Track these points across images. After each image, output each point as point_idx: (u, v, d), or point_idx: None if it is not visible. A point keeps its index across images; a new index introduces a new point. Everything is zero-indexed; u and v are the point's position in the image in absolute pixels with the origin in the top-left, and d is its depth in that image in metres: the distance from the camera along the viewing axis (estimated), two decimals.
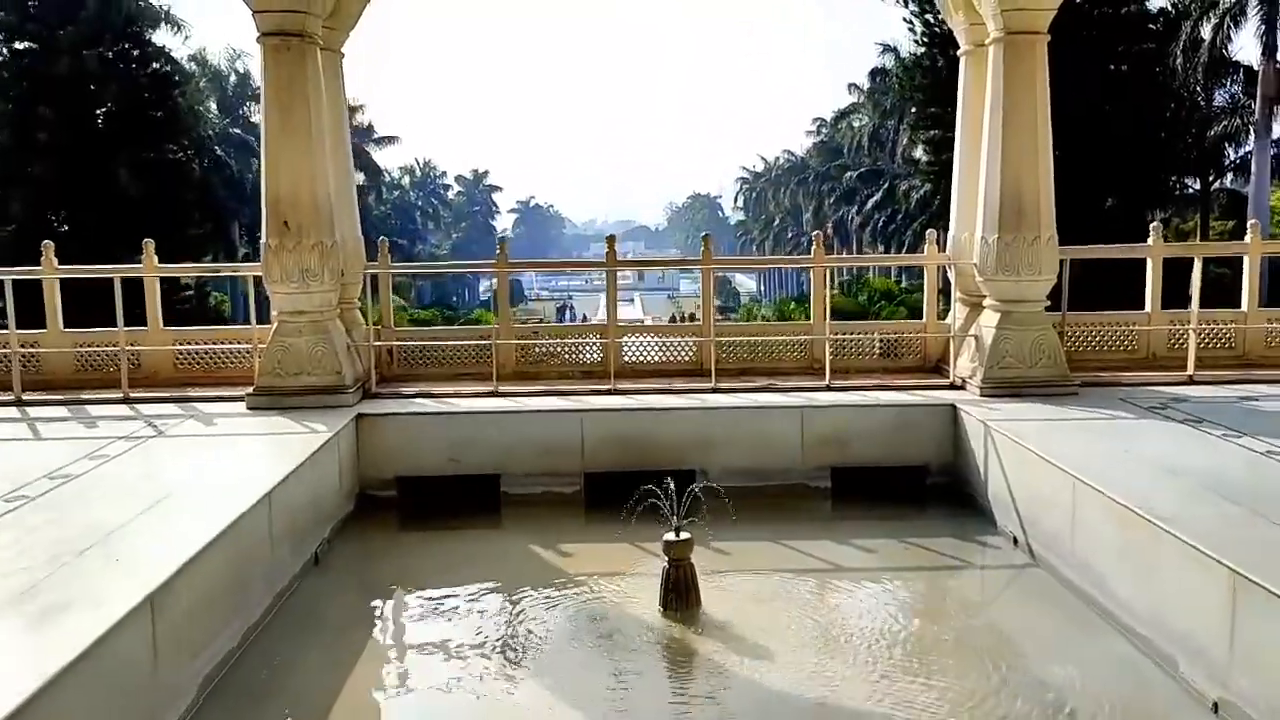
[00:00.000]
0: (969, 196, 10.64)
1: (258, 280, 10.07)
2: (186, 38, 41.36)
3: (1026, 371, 9.95)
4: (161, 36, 41.10)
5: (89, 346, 10.85)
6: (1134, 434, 8.49)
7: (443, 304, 73.51)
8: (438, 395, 10.26)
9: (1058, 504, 7.50)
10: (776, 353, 11.37)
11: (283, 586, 7.26)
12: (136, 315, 10.78)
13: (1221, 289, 12.19)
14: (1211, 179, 40.16)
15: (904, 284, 48.75)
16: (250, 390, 9.84)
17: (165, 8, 40.88)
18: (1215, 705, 5.48)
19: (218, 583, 6.11)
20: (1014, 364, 9.96)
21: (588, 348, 11.14)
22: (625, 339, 11.37)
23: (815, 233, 11.66)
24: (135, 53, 38.24)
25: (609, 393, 10.29)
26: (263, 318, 10.44)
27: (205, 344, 10.96)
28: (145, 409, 9.80)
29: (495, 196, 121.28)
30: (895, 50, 52.56)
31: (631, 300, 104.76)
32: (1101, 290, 13.98)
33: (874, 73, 65.64)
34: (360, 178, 73.86)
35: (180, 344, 10.95)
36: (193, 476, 7.63)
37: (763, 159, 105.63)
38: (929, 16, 36.63)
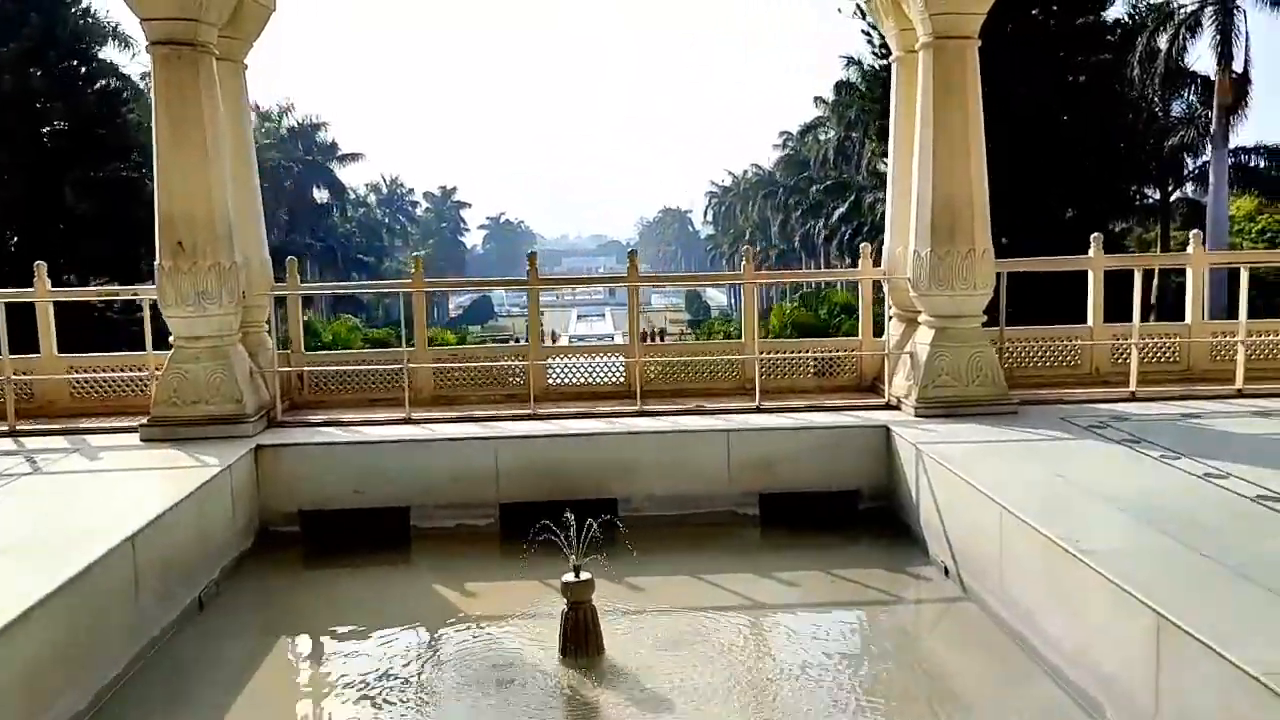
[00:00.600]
0: (903, 208, 10.24)
1: (155, 304, 9.50)
2: (134, 55, 40.48)
3: (963, 390, 9.53)
4: (111, 53, 40.44)
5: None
6: (1069, 456, 8.07)
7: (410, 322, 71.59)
8: (347, 423, 9.72)
9: (986, 534, 7.06)
10: (709, 373, 10.90)
11: (153, 636, 6.70)
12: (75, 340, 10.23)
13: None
14: (1171, 189, 40.20)
15: None
16: (145, 421, 9.27)
17: (113, 25, 40.19)
18: None
19: (59, 640, 5.56)
20: (950, 383, 9.54)
21: (509, 371, 10.62)
22: (551, 360, 10.86)
23: (745, 247, 11.22)
24: (82, 70, 37.48)
25: (529, 418, 9.79)
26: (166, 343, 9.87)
27: (101, 371, 10.35)
28: (30, 442, 9.23)
29: (464, 213, 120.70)
30: (860, 63, 52.63)
31: (602, 315, 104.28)
32: (1053, 304, 13.65)
33: (839, 86, 65.45)
34: (324, 195, 73.96)
35: (75, 371, 10.34)
36: (53, 520, 7.06)
37: (730, 173, 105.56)
38: None
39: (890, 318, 10.87)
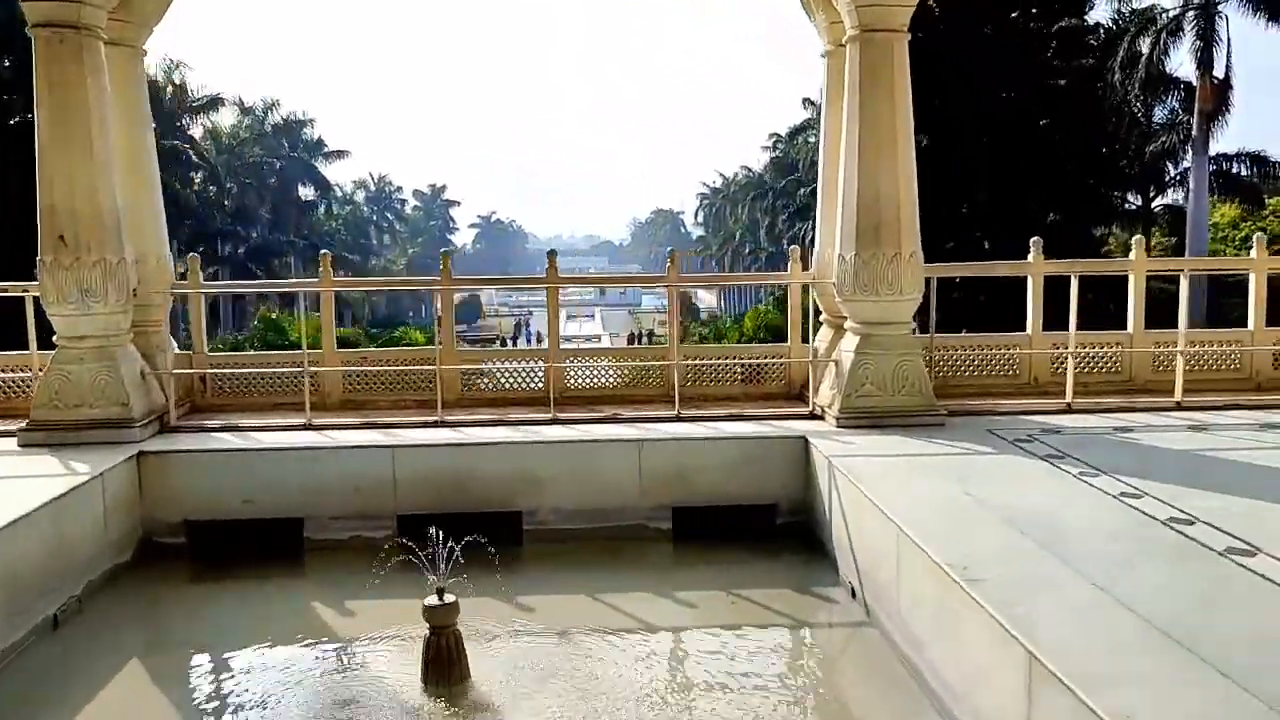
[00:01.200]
0: (831, 210, 9.80)
1: (38, 300, 9.03)
2: None
3: (888, 400, 9.09)
4: None
5: None
6: (986, 472, 7.63)
7: (395, 321, 70.74)
8: (245, 429, 9.26)
9: (886, 555, 6.63)
10: (634, 380, 10.44)
11: None
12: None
13: (1165, 304, 10.94)
14: (1153, 195, 39.80)
15: None
16: (24, 424, 8.80)
17: None
18: None
19: None
20: (874, 392, 9.10)
21: (422, 376, 10.14)
22: (466, 366, 10.40)
23: (670, 249, 10.78)
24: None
25: (436, 425, 9.34)
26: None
27: None
28: None
29: (453, 211, 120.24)
30: None
31: (591, 316, 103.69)
32: (1006, 311, 13.17)
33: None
34: (310, 192, 73.39)
35: None
36: None
37: (721, 175, 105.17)
38: None
39: (820, 324, 10.43)
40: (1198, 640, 4.52)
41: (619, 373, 10.50)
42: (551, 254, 10.36)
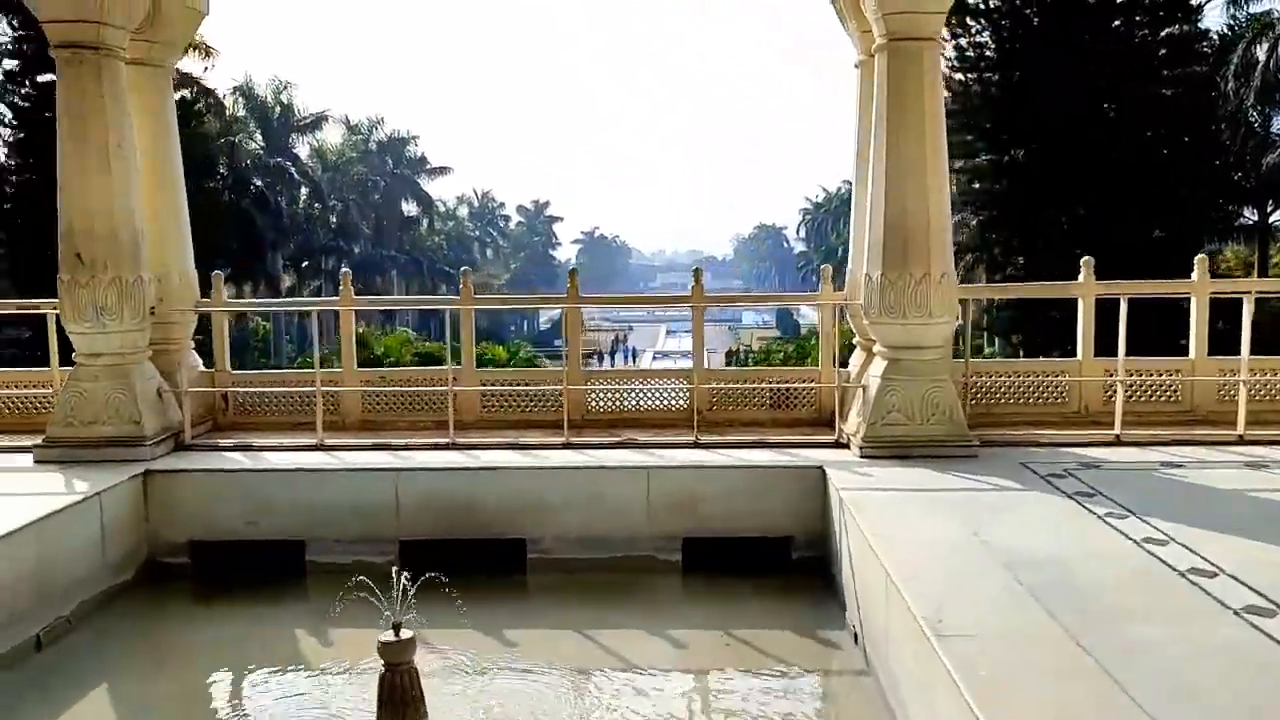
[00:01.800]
0: (862, 227, 9.30)
1: (59, 318, 9.11)
2: (207, 68, 41.25)
3: (916, 429, 8.55)
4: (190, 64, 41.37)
5: None
6: (1001, 511, 7.06)
7: (492, 336, 70.13)
8: (258, 448, 9.19)
9: (879, 599, 6.15)
10: (658, 403, 10.09)
11: None
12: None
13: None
14: (1271, 209, 37.69)
15: None
16: (40, 441, 8.87)
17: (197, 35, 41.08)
18: None
19: None
20: (901, 420, 8.57)
21: (441, 397, 9.92)
22: (486, 387, 10.16)
23: (695, 268, 10.37)
24: None
25: (448, 448, 9.13)
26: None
27: (10, 388, 10.01)
28: None
29: (556, 227, 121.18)
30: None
31: (690, 332, 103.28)
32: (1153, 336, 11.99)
33: None
34: (413, 208, 74.88)
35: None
36: None
37: (824, 189, 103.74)
38: (961, 40, 35.34)
39: (854, 347, 9.93)
40: (1179, 714, 3.97)
41: (640, 397, 10.14)
42: (573, 273, 10.05)
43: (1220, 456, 8.38)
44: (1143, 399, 9.45)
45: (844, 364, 10.03)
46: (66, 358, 9.25)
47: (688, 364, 10.91)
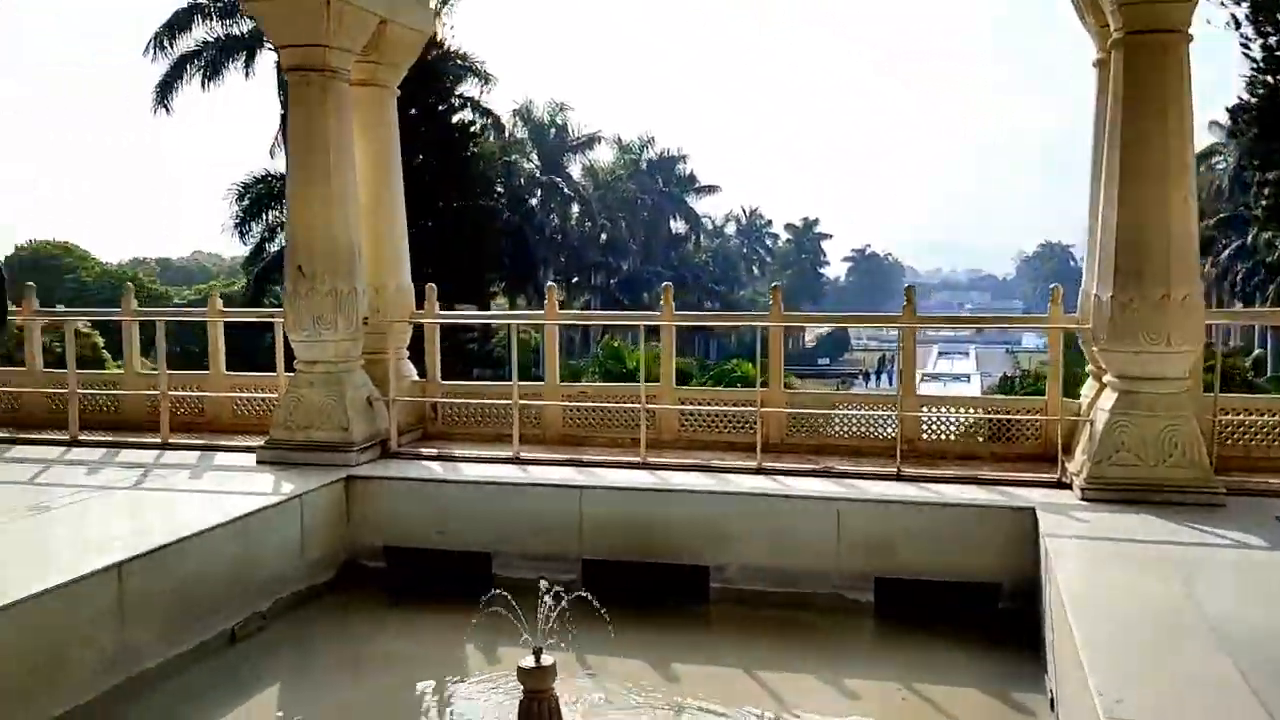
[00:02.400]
0: (1095, 243, 8.34)
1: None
2: (483, 91, 43.39)
3: (1148, 471, 7.54)
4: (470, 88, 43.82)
5: (152, 390, 10.79)
6: (1230, 572, 6.11)
7: (739, 354, 67.48)
8: (457, 458, 9.35)
9: (1067, 666, 5.38)
10: (859, 430, 9.47)
11: (145, 669, 6.54)
12: None
13: None
14: None
15: None
16: (263, 443, 9.40)
17: (478, 62, 43.43)
18: None
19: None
20: (1131, 460, 7.59)
21: (637, 415, 9.72)
22: (685, 406, 9.88)
23: (907, 287, 9.64)
24: (441, 106, 40.70)
25: (639, 466, 8.92)
26: None
27: (252, 391, 10.68)
28: (171, 455, 9.63)
29: (825, 244, 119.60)
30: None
31: (966, 354, 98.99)
32: None
33: (1236, 109, 58.21)
34: (680, 226, 76.11)
35: (237, 390, 10.76)
36: (69, 537, 7.23)
37: None
38: (1272, 39, 32.03)
39: (1088, 375, 8.93)
40: None
41: (840, 423, 9.54)
42: (775, 290, 9.72)
43: None
44: None
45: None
46: (292, 365, 9.76)
47: (961, 387, 10.26)
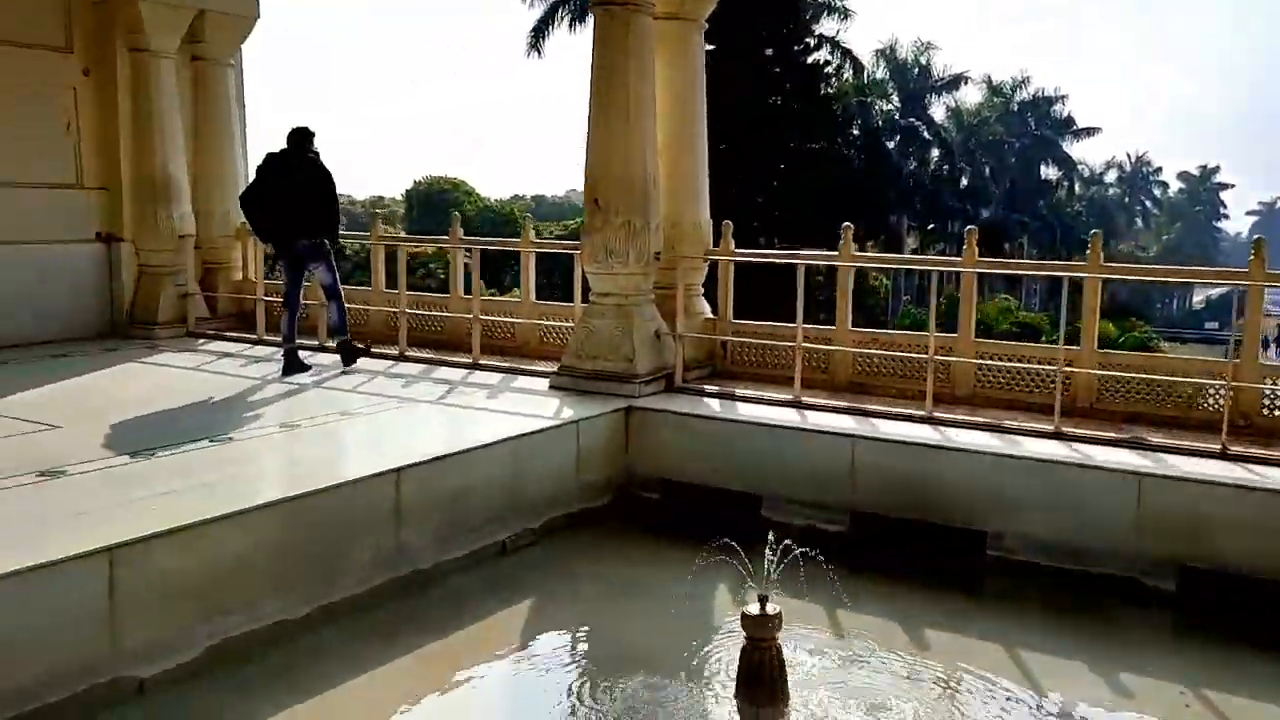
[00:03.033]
0: None
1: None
2: (838, 31, 42.36)
3: None
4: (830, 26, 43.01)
5: (488, 316, 11.41)
6: None
7: (1137, 314, 60.08)
8: (738, 397, 9.23)
9: None
10: (1182, 398, 8.35)
11: (418, 569, 6.98)
12: None
13: None
14: None
15: None
16: (556, 369, 9.77)
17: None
18: None
19: (271, 551, 6.11)
20: None
21: (937, 365, 9.10)
22: (980, 361, 9.15)
23: (1256, 237, 8.16)
24: (797, 46, 40.19)
25: (923, 420, 8.40)
26: None
27: (556, 320, 11.12)
28: (477, 375, 10.24)
29: (1225, 195, 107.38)
30: None
31: None
32: None
33: None
34: (1052, 172, 71.17)
35: (544, 318, 11.26)
36: (364, 442, 7.90)
37: None
38: None
39: None
40: None
41: (1157, 388, 8.43)
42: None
43: None
44: None
45: None
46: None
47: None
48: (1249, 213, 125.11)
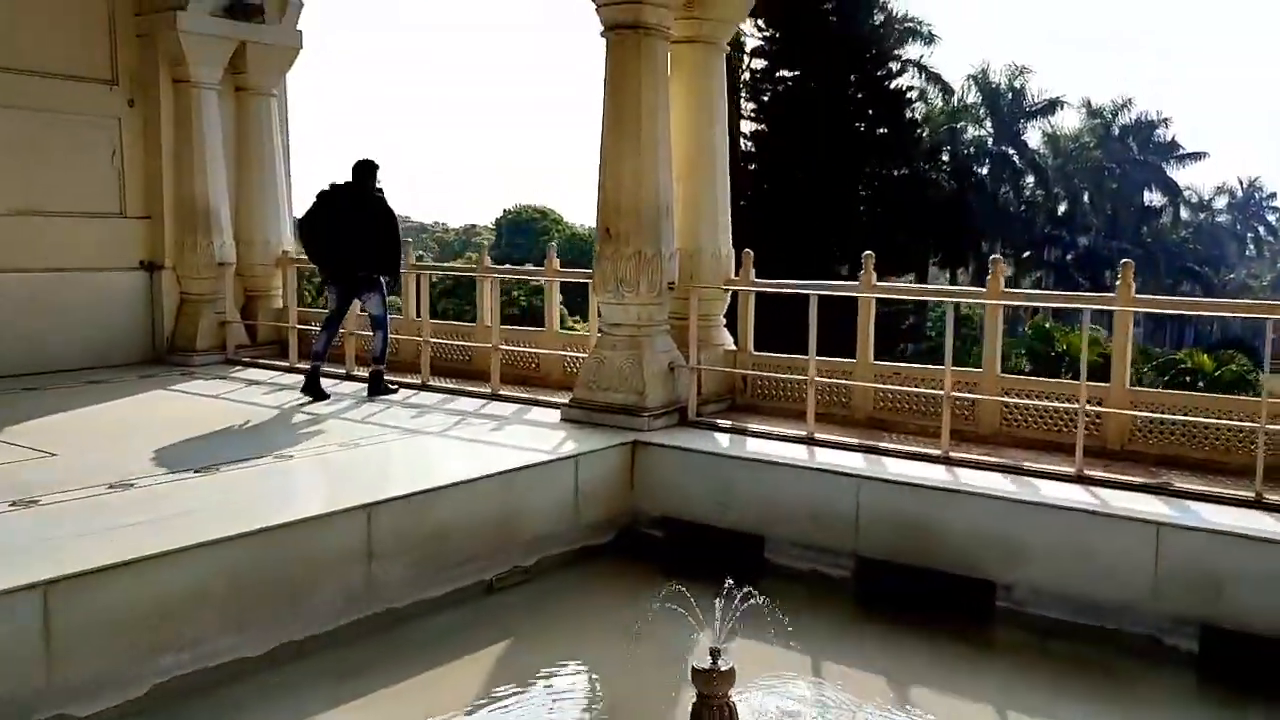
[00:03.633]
0: None
1: None
2: (921, 55, 41.63)
3: None
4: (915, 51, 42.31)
5: (512, 346, 11.38)
6: None
7: (1242, 345, 56.85)
8: (751, 432, 8.88)
9: None
10: (1221, 439, 7.73)
11: (390, 608, 6.78)
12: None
13: None
14: None
15: None
16: (568, 401, 9.55)
17: (922, 24, 41.74)
18: None
19: (226, 587, 5.97)
20: None
21: (957, 404, 8.61)
22: (1003, 397, 8.63)
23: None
24: (879, 71, 39.52)
25: (937, 460, 7.94)
26: None
27: (578, 350, 10.90)
28: (493, 406, 10.06)
29: None
30: None
31: None
32: None
33: None
34: (1156, 198, 68.80)
35: (568, 348, 11.06)
36: (352, 474, 7.72)
37: None
38: None
39: None
40: None
41: (1193, 430, 7.84)
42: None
43: None
44: None
45: None
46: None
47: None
48: None
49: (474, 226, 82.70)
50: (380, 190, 10.43)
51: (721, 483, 8.26)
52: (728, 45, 9.92)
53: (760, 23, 39.91)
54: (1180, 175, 70.16)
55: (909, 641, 6.76)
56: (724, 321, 10.12)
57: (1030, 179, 58.24)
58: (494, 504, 7.59)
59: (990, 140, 55.64)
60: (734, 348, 10.01)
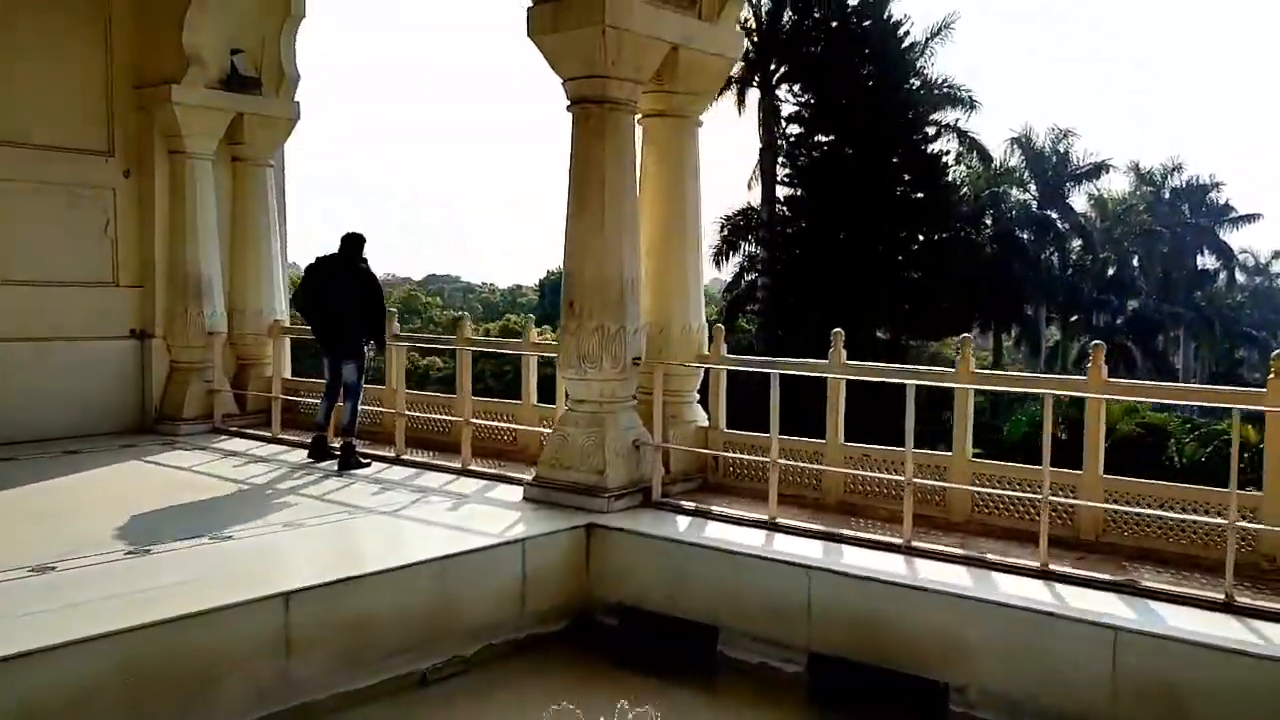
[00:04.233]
0: None
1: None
2: (958, 120, 41.34)
3: None
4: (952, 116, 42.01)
5: (488, 419, 11.22)
6: None
7: None
8: (714, 516, 8.55)
9: None
10: (1196, 534, 7.25)
11: (306, 701, 6.53)
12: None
13: None
14: None
15: None
16: (530, 479, 9.28)
17: (961, 89, 41.44)
18: None
19: (128, 677, 5.76)
20: None
21: (927, 490, 8.24)
22: (978, 488, 8.22)
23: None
24: (915, 136, 39.23)
25: (902, 550, 7.55)
26: None
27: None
28: (460, 483, 9.83)
29: None
30: None
31: None
32: None
33: None
34: (1209, 261, 67.44)
35: (545, 422, 10.79)
36: (279, 559, 7.50)
37: None
38: None
39: None
40: None
41: (1176, 524, 7.36)
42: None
43: None
44: None
45: None
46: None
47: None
48: None
49: (520, 287, 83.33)
50: (365, 261, 10.72)
51: (675, 570, 7.91)
52: (701, 119, 9.75)
53: (796, 88, 40.08)
54: (1235, 238, 68.80)
55: None
56: (698, 398, 9.81)
57: (1077, 242, 57.36)
58: (428, 591, 7.31)
59: (1035, 204, 54.96)
60: (704, 425, 9.69)
